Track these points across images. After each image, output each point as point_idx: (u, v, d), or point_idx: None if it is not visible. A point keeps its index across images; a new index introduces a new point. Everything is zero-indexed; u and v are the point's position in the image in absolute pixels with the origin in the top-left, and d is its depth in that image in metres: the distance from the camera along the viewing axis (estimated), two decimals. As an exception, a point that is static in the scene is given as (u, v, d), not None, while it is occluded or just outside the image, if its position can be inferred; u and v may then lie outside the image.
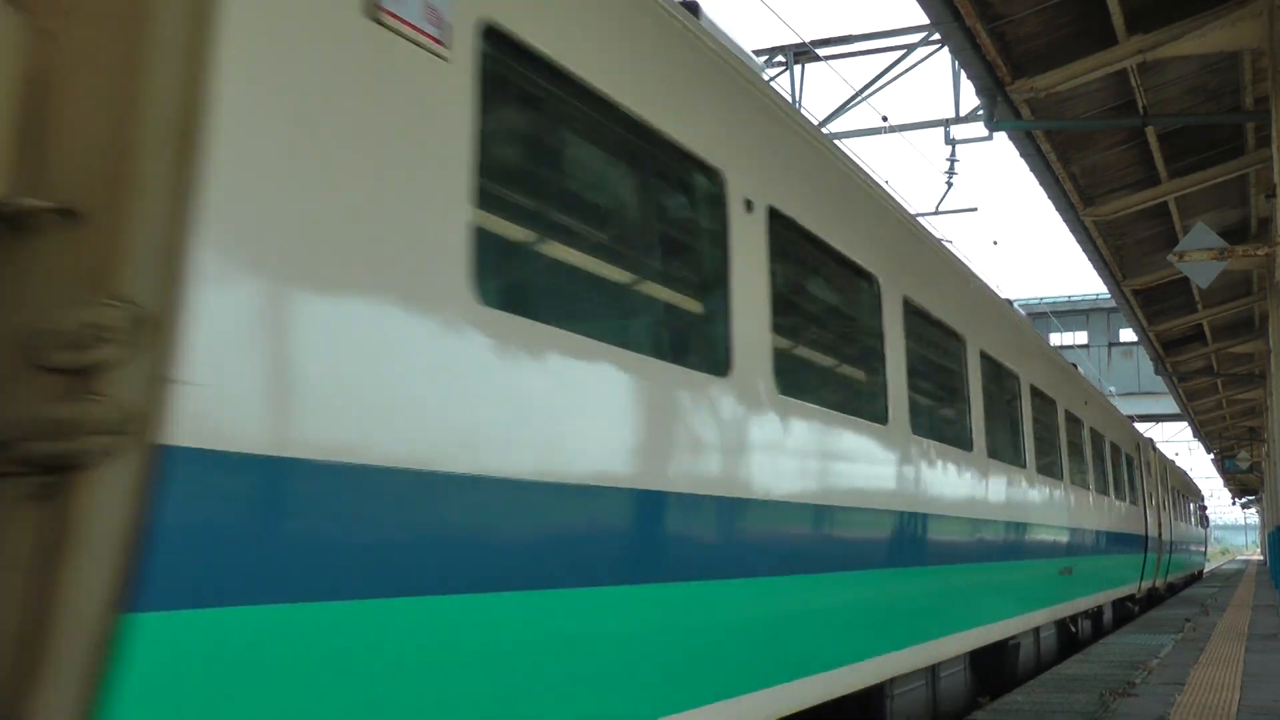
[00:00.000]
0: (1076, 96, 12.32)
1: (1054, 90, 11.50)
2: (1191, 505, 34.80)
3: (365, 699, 2.64)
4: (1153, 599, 24.36)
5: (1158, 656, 11.58)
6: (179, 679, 2.19)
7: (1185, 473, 35.60)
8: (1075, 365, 15.33)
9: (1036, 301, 48.29)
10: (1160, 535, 22.07)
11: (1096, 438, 14.68)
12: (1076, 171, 14.48)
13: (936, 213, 20.84)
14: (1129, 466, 18.28)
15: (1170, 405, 40.92)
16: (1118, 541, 15.74)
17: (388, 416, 2.75)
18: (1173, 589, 29.20)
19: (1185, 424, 45.65)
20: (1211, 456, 47.57)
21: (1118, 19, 10.58)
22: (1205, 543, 45.73)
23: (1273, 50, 10.28)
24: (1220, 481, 66.73)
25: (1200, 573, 42.54)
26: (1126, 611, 19.48)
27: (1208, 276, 12.31)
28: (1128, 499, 17.46)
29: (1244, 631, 14.67)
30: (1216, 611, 19.17)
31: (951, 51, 11.16)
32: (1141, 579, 19.35)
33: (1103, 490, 14.65)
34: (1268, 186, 13.60)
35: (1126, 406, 40.43)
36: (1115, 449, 16.62)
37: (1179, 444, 66.55)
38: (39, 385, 2.24)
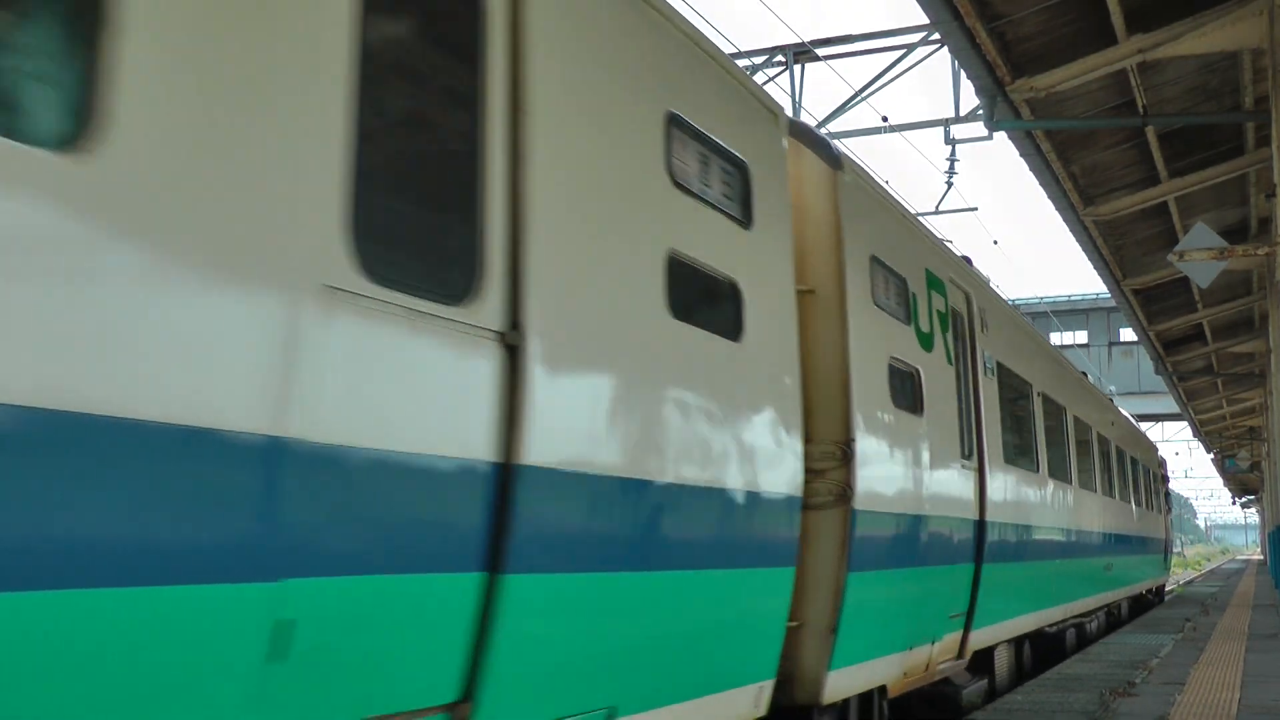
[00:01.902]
0: (1076, 96, 12.33)
1: (1054, 90, 11.51)
2: (1112, 446, 17.11)
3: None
4: None
5: (1158, 656, 11.58)
6: None
7: (1088, 377, 18.01)
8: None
9: (1036, 301, 48.23)
10: (902, 509, 6.87)
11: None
12: (1076, 171, 14.48)
13: (936, 212, 20.85)
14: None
15: (1170, 405, 40.91)
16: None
17: None
18: (1058, 649, 12.94)
19: (1185, 424, 45.67)
20: (1211, 456, 47.58)
21: (1118, 19, 10.58)
22: (1166, 536, 25.10)
23: (1273, 50, 10.28)
24: (1220, 481, 66.76)
25: (1160, 590, 25.61)
26: None
27: (1208, 276, 12.31)
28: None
29: (1244, 631, 14.67)
30: (1216, 611, 19.17)
31: (951, 51, 11.16)
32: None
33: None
34: (1268, 186, 13.60)
35: (1127, 406, 40.38)
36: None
37: (1179, 444, 66.55)
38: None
